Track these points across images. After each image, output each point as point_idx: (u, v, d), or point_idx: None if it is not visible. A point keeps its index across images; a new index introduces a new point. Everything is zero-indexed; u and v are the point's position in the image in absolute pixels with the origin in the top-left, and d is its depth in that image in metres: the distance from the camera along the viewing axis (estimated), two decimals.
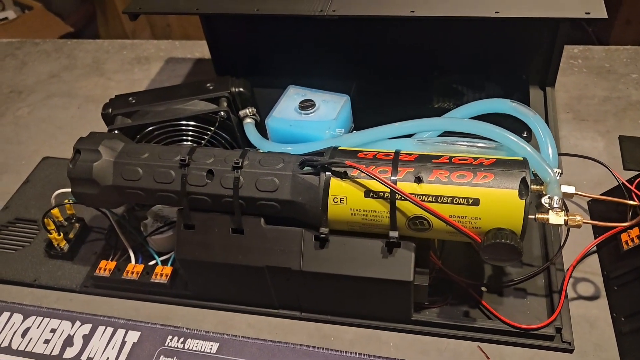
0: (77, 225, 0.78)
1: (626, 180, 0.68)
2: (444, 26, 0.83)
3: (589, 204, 0.74)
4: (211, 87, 0.75)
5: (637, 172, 0.70)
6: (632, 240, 0.62)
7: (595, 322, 0.63)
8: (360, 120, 0.77)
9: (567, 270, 0.66)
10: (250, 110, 0.76)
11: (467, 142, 0.62)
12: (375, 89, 0.88)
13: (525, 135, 0.70)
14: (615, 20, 1.68)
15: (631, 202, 0.62)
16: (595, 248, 0.69)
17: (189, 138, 0.73)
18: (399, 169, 0.56)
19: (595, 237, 0.69)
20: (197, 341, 0.66)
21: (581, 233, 0.70)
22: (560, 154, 0.77)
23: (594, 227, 0.71)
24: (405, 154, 0.58)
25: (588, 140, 0.84)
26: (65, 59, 1.19)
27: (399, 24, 0.84)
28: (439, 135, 0.66)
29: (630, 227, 0.63)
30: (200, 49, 1.15)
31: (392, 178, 0.55)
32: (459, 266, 0.66)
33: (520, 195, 0.53)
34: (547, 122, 0.83)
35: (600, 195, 0.70)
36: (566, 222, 0.55)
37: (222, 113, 0.73)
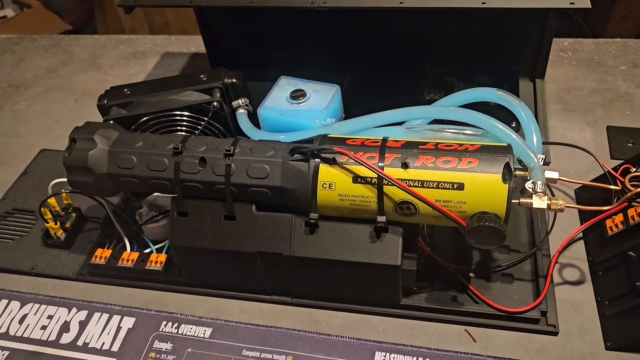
0: (73, 214, 0.79)
1: (612, 168, 0.69)
2: (433, 18, 0.84)
3: (576, 192, 0.76)
4: (204, 78, 0.77)
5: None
6: (617, 226, 0.64)
7: (580, 305, 0.64)
8: (352, 112, 0.77)
9: (553, 255, 0.67)
10: (243, 100, 0.77)
11: (454, 129, 0.63)
12: (366, 81, 0.89)
13: (514, 125, 0.71)
14: (611, 16, 1.69)
15: (613, 187, 0.63)
16: (581, 234, 0.70)
17: (183, 128, 0.74)
18: (386, 155, 0.57)
19: (582, 224, 0.71)
20: (190, 326, 0.67)
21: (568, 220, 0.71)
22: (548, 143, 0.79)
23: (581, 214, 0.72)
24: (393, 140, 0.59)
25: (576, 131, 0.85)
26: (62, 54, 1.21)
27: (389, 16, 0.85)
28: (428, 124, 0.67)
29: (615, 214, 0.64)
30: (196, 44, 1.16)
31: (380, 164, 0.57)
32: (448, 252, 0.68)
33: (504, 180, 0.54)
34: (536, 113, 0.84)
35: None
36: (549, 206, 0.56)
37: (215, 103, 0.74)
